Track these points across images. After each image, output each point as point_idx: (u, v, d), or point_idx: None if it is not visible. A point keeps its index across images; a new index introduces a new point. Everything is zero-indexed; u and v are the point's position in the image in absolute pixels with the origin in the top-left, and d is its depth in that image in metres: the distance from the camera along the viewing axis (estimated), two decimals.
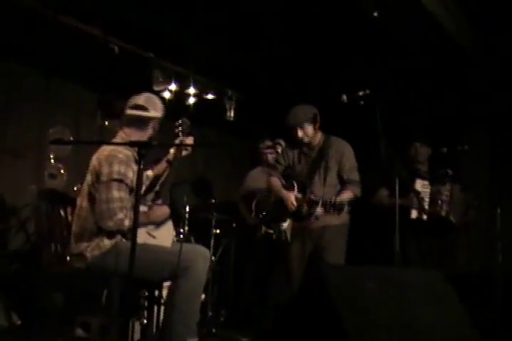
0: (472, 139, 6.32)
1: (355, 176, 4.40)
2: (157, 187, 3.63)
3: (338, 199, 4.03)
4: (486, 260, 5.46)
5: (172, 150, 3.73)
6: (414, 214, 4.97)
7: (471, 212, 5.01)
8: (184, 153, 3.73)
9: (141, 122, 3.47)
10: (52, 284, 3.49)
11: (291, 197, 4.34)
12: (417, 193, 4.95)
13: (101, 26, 5.18)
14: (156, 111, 3.49)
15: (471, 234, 5.02)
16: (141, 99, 3.50)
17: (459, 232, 5.15)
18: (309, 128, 4.37)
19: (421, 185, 5.04)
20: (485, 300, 4.37)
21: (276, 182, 4.57)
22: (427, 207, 5.00)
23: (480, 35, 5.66)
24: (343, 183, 4.39)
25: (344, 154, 4.41)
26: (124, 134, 3.46)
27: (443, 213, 5.00)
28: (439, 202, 4.99)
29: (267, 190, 4.97)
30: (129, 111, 3.47)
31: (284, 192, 4.42)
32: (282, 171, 4.61)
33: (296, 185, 4.41)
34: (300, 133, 4.35)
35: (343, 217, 4.31)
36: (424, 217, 4.98)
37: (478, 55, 5.82)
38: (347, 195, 4.21)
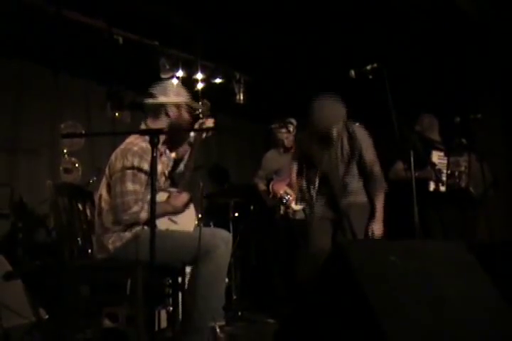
0: (485, 108, 6.24)
1: (378, 168, 4.25)
2: (180, 168, 3.62)
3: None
4: (507, 230, 5.42)
5: (193, 133, 3.68)
6: (432, 186, 4.95)
7: (490, 191, 4.95)
8: (205, 135, 3.68)
9: (152, 110, 3.44)
10: (77, 277, 3.50)
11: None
12: (434, 165, 4.92)
13: (104, 18, 5.17)
14: (166, 97, 3.42)
15: (491, 204, 4.96)
16: (155, 87, 3.47)
17: (479, 203, 5.11)
18: (341, 125, 4.07)
19: (437, 157, 5.00)
20: (508, 269, 4.34)
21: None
22: (444, 178, 4.96)
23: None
24: (368, 178, 4.22)
25: (362, 141, 4.17)
26: (145, 125, 3.45)
27: (462, 185, 4.97)
28: (457, 173, 4.95)
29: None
30: (145, 101, 3.46)
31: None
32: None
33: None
34: (335, 133, 4.07)
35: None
36: (442, 188, 4.95)
37: (489, 23, 5.73)
38: (381, 203, 4.17)
